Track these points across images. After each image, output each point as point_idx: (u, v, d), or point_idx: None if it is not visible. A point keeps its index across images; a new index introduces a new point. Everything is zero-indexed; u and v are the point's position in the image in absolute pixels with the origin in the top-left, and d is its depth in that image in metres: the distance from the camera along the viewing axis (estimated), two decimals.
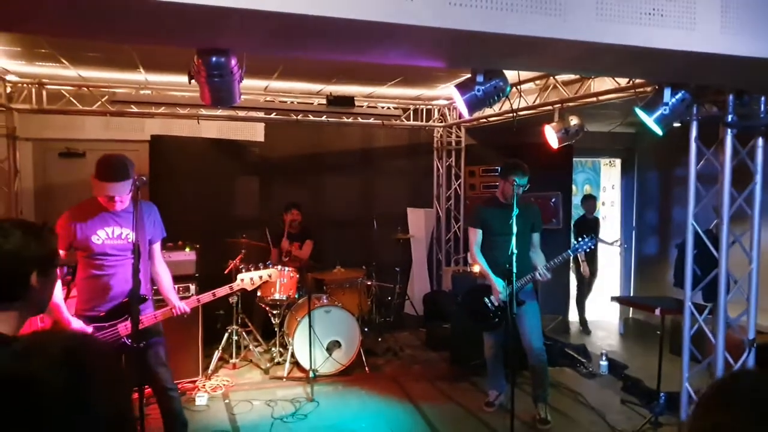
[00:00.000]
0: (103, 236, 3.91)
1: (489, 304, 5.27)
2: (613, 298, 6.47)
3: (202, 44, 3.35)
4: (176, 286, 5.37)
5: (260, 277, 4.53)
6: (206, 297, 4.29)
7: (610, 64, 3.94)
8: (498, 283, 5.15)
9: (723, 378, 1.17)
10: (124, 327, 3.87)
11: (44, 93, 6.91)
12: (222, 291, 4.29)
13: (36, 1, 2.36)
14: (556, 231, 8.04)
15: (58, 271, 1.99)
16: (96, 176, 3.79)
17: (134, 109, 7.21)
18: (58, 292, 3.99)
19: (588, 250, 5.36)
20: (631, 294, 9.56)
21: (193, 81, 3.70)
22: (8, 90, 6.81)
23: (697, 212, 4.88)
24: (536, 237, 5.35)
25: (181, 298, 4.32)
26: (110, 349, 1.11)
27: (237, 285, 4.42)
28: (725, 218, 4.66)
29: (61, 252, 3.99)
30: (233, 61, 3.51)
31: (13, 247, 1.71)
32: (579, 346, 7.23)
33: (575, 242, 5.26)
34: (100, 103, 7.06)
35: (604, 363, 6.71)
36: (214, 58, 3.41)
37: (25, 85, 6.87)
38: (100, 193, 3.83)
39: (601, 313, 9.18)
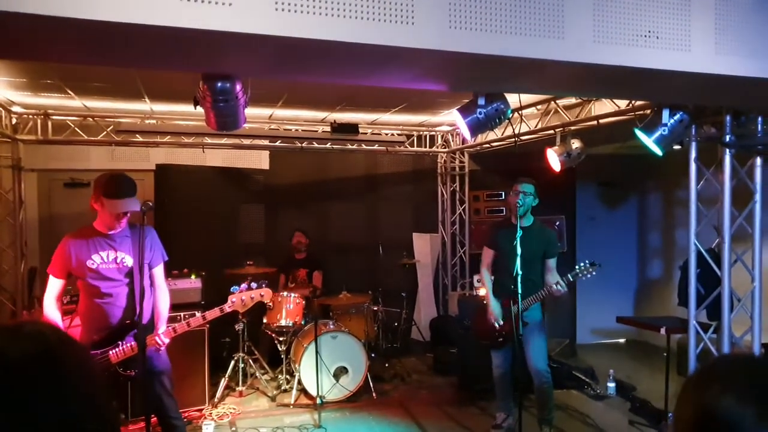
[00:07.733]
0: (98, 261, 3.88)
1: (495, 324, 5.26)
2: (618, 319, 6.45)
3: (206, 68, 3.41)
4: (182, 314, 5.40)
5: (251, 298, 4.26)
6: (196, 321, 4.15)
7: (608, 86, 4.01)
8: (494, 308, 5.18)
9: (707, 362, 1.18)
10: (114, 354, 3.81)
11: (49, 124, 6.97)
12: (212, 314, 4.11)
13: (44, 29, 2.42)
14: (561, 254, 8.02)
15: None
16: (105, 194, 3.75)
17: (139, 138, 7.28)
18: (58, 321, 3.98)
19: (589, 276, 5.02)
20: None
21: (198, 107, 3.76)
22: (14, 121, 6.88)
23: (699, 231, 4.92)
24: (551, 262, 5.22)
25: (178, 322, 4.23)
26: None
27: (228, 306, 4.17)
28: (726, 237, 4.69)
29: (61, 281, 3.95)
30: (238, 86, 3.57)
31: None
32: (586, 368, 7.19)
33: (578, 266, 5.03)
34: (105, 133, 7.11)
35: (611, 384, 6.67)
36: (219, 84, 3.47)
37: (30, 116, 6.92)
38: (114, 210, 3.78)
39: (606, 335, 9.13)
